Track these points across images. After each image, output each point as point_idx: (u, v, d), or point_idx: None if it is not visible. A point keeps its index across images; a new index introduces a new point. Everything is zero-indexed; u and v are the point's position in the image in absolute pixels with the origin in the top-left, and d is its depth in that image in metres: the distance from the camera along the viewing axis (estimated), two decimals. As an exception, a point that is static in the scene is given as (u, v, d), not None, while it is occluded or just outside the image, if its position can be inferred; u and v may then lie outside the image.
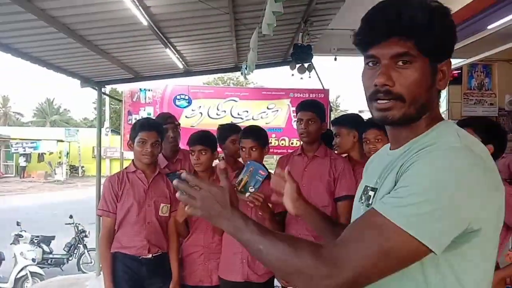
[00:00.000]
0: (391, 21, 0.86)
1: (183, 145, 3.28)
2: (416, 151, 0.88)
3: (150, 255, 2.57)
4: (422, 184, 0.80)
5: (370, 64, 0.92)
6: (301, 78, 5.74)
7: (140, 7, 3.40)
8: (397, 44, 0.87)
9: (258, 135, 2.60)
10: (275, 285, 2.66)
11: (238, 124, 3.44)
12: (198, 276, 2.62)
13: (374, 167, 1.09)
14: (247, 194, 2.24)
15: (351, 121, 2.81)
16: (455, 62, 4.72)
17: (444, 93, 4.98)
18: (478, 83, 5.63)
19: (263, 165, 2.32)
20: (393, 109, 0.90)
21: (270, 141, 6.18)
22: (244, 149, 2.56)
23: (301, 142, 2.73)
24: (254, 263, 2.48)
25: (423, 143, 0.90)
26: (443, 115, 4.94)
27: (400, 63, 0.88)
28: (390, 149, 1.02)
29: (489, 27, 3.83)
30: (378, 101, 0.91)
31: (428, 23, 0.85)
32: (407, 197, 0.79)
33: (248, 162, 2.31)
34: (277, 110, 6.14)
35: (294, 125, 4.12)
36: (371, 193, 0.98)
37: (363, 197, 1.03)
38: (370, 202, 0.97)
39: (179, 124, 3.34)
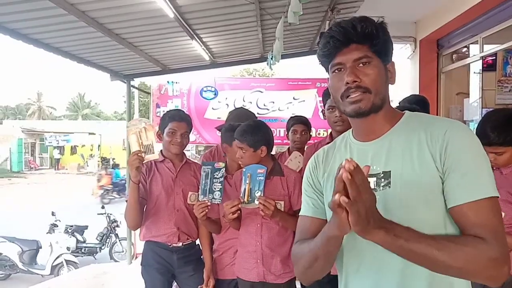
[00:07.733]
0: (348, 32, 1.06)
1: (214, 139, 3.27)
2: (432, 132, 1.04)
3: (180, 244, 2.61)
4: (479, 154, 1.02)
5: (336, 71, 1.11)
6: (328, 68, 5.65)
7: (166, -1, 3.43)
8: (356, 49, 1.07)
9: (245, 135, 2.29)
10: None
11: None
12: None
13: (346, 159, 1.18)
14: (256, 201, 2.12)
15: None
16: (489, 48, 4.53)
17: (477, 81, 4.80)
18: (514, 70, 5.40)
19: (258, 163, 2.22)
20: (364, 100, 1.07)
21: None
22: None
23: (329, 131, 2.62)
24: (269, 263, 2.29)
25: (431, 124, 1.07)
26: (475, 103, 4.77)
27: (361, 64, 1.08)
28: (360, 140, 1.16)
29: (526, 10, 3.65)
30: (351, 96, 1.07)
31: (376, 32, 1.07)
32: (482, 170, 0.99)
33: (244, 170, 2.23)
34: (304, 101, 6.09)
35: (321, 115, 4.05)
36: (371, 179, 1.07)
37: None
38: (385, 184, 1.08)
39: None
